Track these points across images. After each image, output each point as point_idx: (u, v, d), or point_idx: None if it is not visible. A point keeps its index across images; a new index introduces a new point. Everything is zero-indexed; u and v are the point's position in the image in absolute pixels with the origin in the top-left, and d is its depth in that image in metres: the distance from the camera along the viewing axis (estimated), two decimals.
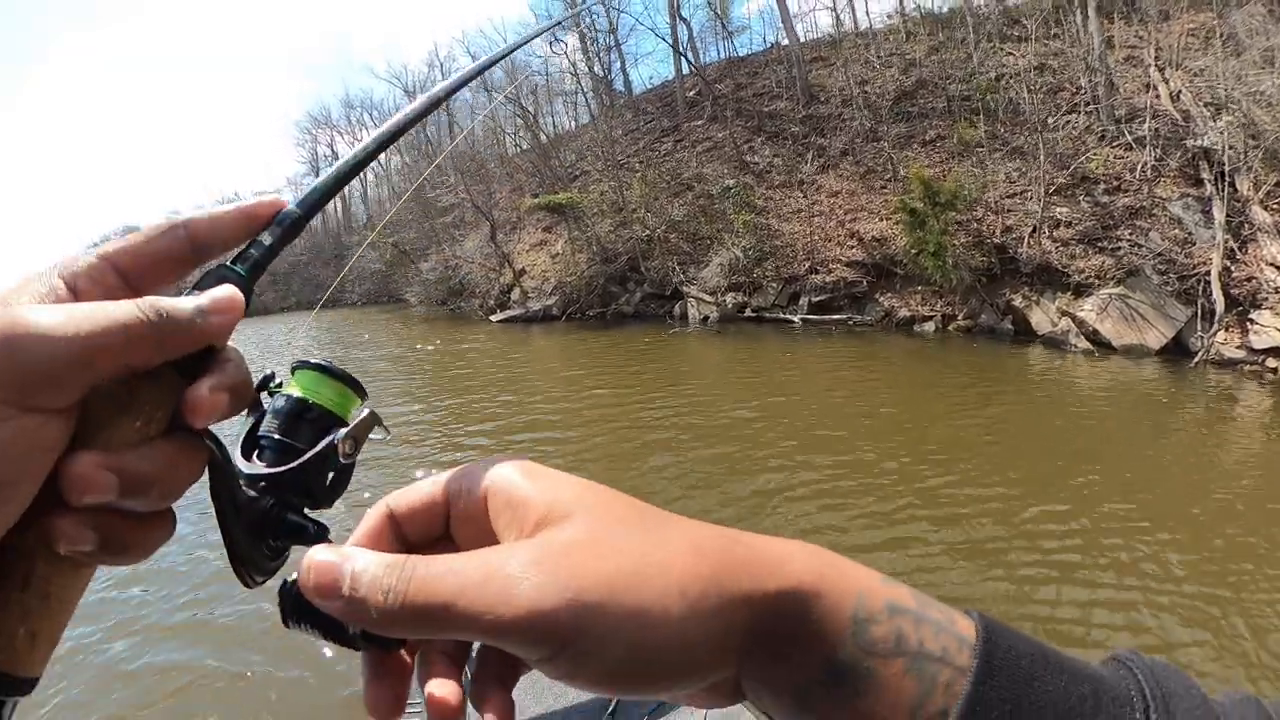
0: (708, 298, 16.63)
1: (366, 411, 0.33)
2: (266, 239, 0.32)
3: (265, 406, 0.33)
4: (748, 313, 15.97)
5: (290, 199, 0.34)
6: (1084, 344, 10.87)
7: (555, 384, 10.91)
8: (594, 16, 24.37)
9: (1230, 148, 11.03)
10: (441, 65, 36.93)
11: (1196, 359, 9.74)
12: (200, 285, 0.30)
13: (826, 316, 14.65)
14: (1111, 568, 4.04)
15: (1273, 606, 3.61)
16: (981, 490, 5.30)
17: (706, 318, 16.31)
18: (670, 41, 21.97)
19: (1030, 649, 0.27)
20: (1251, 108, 11.04)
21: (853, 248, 15.11)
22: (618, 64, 25.69)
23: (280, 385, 0.33)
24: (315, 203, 0.34)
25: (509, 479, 0.30)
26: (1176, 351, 10.37)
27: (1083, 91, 13.95)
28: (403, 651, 0.31)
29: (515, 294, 21.28)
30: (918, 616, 0.27)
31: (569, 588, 0.25)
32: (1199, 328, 10.32)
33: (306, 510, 0.32)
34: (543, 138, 24.16)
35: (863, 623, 0.27)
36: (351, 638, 0.29)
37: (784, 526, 4.90)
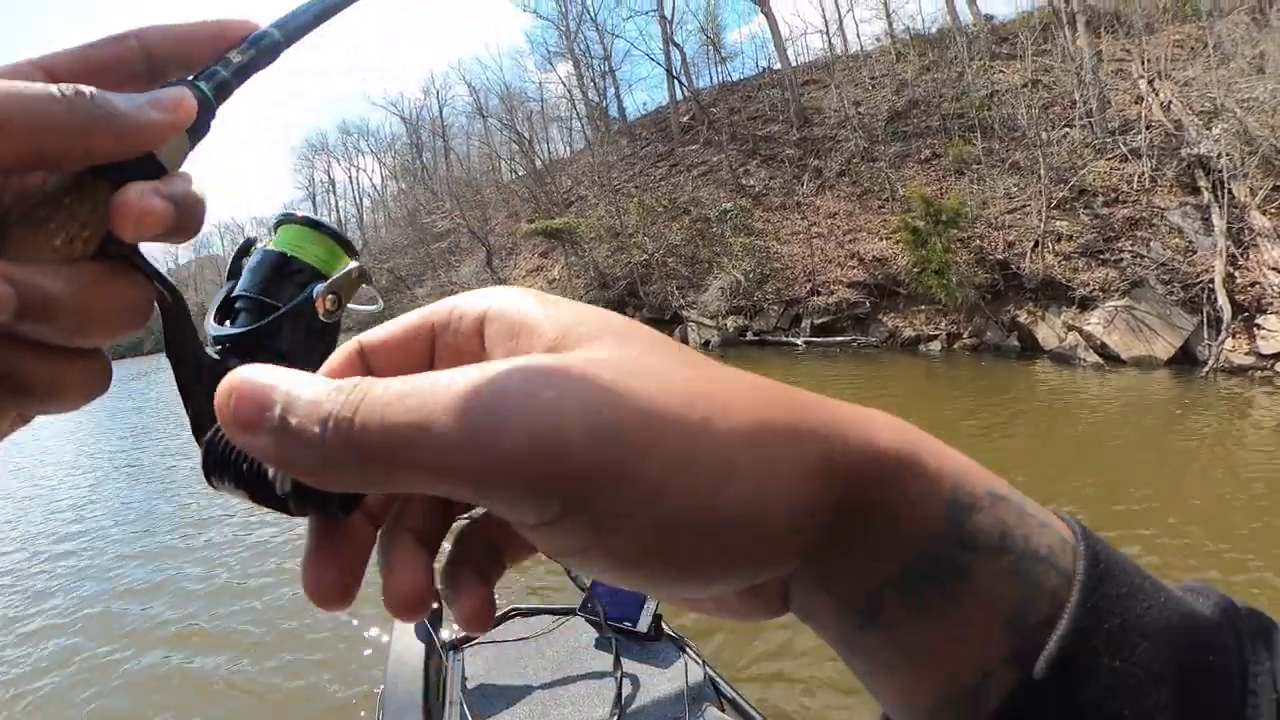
0: (708, 321, 16.72)
1: (354, 264, 0.29)
2: (235, 57, 0.26)
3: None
4: (749, 336, 16.04)
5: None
6: (1093, 358, 10.92)
7: None
8: (588, 43, 24.93)
9: (1226, 155, 11.23)
10: (439, 94, 37.78)
11: (1207, 368, 9.78)
12: None
13: (830, 338, 14.72)
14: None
15: None
16: None
17: (707, 341, 16.38)
18: (665, 66, 22.41)
19: (1125, 561, 0.22)
20: (1245, 115, 11.26)
21: (853, 268, 15.25)
22: (612, 90, 26.22)
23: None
24: (298, 29, 0.28)
25: (514, 301, 0.23)
26: (1185, 361, 10.42)
27: (1076, 105, 14.23)
28: (364, 520, 0.24)
29: None
30: (1019, 508, 0.22)
31: (596, 410, 0.18)
32: (1205, 336, 10.39)
33: None
34: (538, 163, 24.52)
35: (962, 507, 0.21)
36: (283, 498, 0.21)
37: None
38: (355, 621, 4.00)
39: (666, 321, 18.13)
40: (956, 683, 0.20)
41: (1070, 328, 11.54)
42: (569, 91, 25.55)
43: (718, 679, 2.13)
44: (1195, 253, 11.15)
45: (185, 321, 0.25)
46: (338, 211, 53.02)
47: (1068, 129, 13.81)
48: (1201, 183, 11.73)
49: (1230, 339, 9.97)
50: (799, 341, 15.03)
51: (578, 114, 25.48)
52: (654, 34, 24.65)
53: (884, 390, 10.60)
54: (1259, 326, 10.04)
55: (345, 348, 0.25)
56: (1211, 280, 10.53)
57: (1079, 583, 0.20)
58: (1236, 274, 10.55)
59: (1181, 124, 12.46)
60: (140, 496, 8.72)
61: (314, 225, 0.28)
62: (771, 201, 18.57)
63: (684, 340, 17.04)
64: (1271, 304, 10.08)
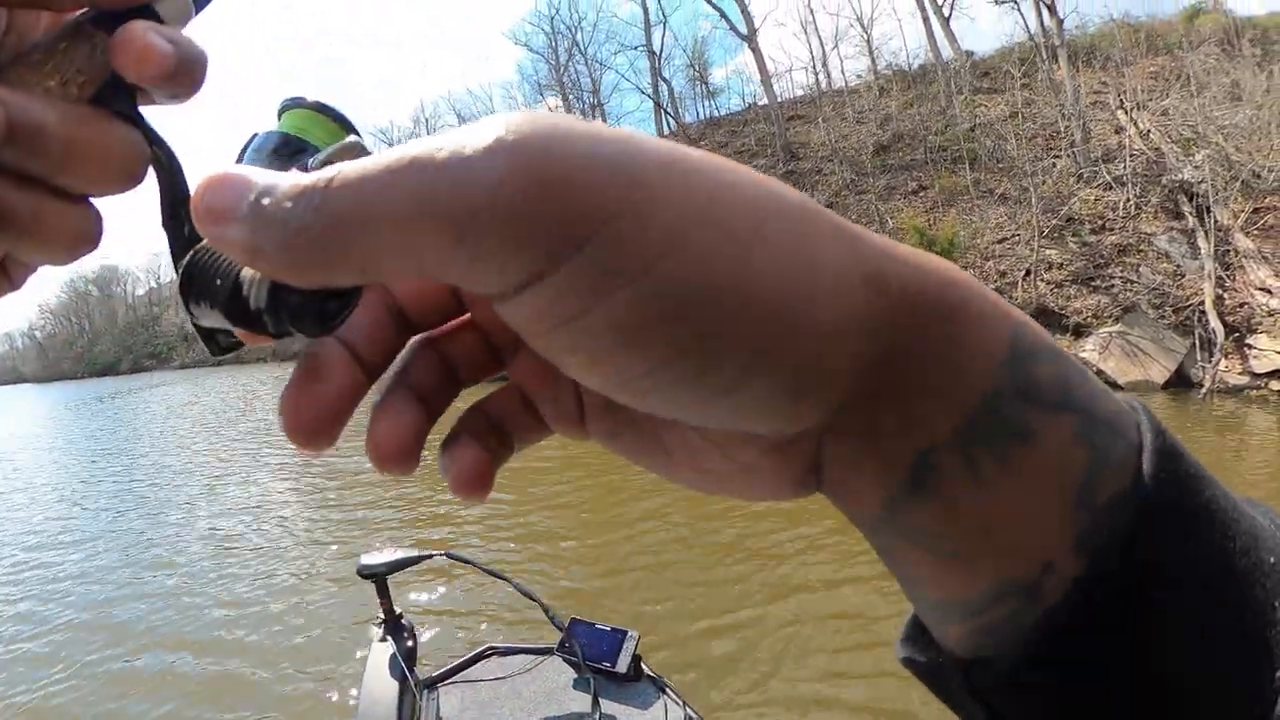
0: None
1: (351, 139, 0.26)
2: None
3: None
4: None
5: None
6: None
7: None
8: (577, 76, 25.65)
9: (1208, 181, 11.73)
10: (428, 122, 38.87)
11: (1205, 390, 10.07)
12: None
13: None
14: None
15: None
16: None
17: None
18: (654, 97, 23.12)
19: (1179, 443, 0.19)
20: (1224, 142, 11.79)
21: None
22: (600, 123, 26.83)
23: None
24: None
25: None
26: (1180, 384, 10.72)
27: (1059, 136, 14.82)
28: (355, 364, 0.21)
29: None
30: (1080, 369, 0.20)
31: (604, 144, 0.16)
32: (1198, 358, 10.72)
33: None
34: None
35: (1024, 357, 0.18)
36: (256, 313, 0.19)
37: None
38: (328, 664, 3.99)
39: None
40: (1018, 569, 0.18)
41: None
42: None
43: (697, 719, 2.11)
44: (1184, 276, 11.56)
45: (180, 186, 0.24)
46: None
47: (1056, 159, 14.35)
48: (1185, 208, 12.21)
49: (1224, 359, 10.30)
50: None
51: None
52: (643, 69, 25.43)
53: None
54: (1250, 346, 10.38)
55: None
56: (1202, 303, 10.91)
57: (1150, 455, 0.18)
58: (1225, 295, 10.94)
59: (1162, 152, 13.01)
60: (104, 525, 8.38)
61: (322, 109, 0.27)
62: None
63: None
64: (1261, 323, 10.44)
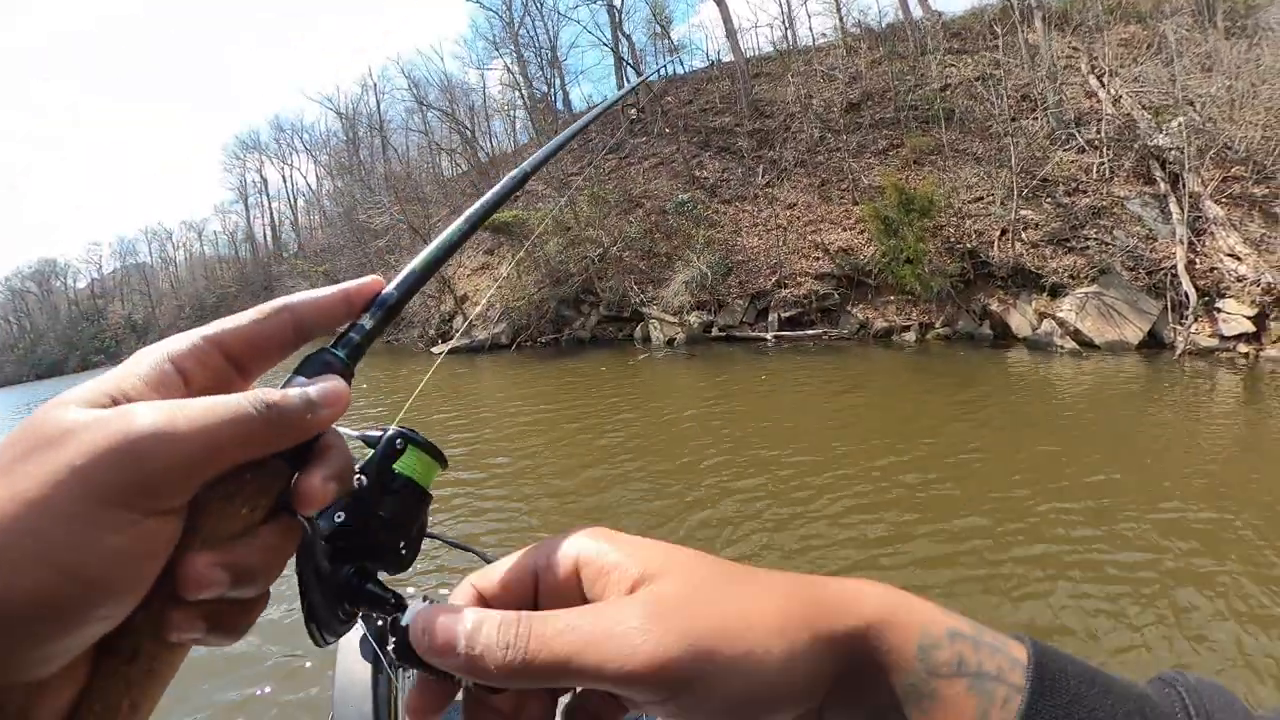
0: (670, 318, 16.47)
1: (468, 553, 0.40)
2: (366, 322, 0.35)
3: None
4: (715, 332, 15.89)
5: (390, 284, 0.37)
6: (1070, 344, 11.32)
7: (510, 429, 10.39)
8: (534, 33, 24.40)
9: (1178, 149, 11.95)
10: (376, 87, 36.71)
11: (1179, 352, 10.29)
12: (302, 370, 0.32)
13: (799, 332, 14.75)
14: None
15: None
16: (1036, 505, 5.26)
17: (672, 339, 16.10)
18: (613, 47, 22.17)
19: (1078, 670, 0.30)
20: (1200, 110, 12.00)
21: (819, 259, 15.38)
22: (558, 81, 25.75)
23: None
24: (411, 285, 0.37)
25: (597, 548, 0.33)
26: (1153, 344, 10.96)
27: (1030, 99, 14.89)
28: (500, 715, 0.33)
29: (458, 322, 20.56)
30: (975, 641, 0.31)
31: (687, 636, 0.28)
32: (1170, 319, 10.98)
33: (381, 576, 0.35)
34: (482, 157, 23.75)
35: (928, 649, 0.30)
36: (457, 680, 0.32)
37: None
38: (299, 652, 3.92)
39: (626, 319, 17.79)
40: None
41: (1043, 315, 11.95)
42: (515, 78, 24.93)
43: None
44: (1156, 240, 11.79)
45: (316, 544, 0.33)
46: (271, 213, 50.48)
47: (1033, 120, 14.40)
48: (1157, 173, 12.45)
49: (1194, 322, 10.55)
50: (768, 336, 14.99)
51: (524, 102, 24.86)
52: (603, 23, 24.36)
53: (860, 386, 10.62)
54: (1219, 310, 10.68)
55: (465, 592, 0.35)
56: (1174, 266, 11.15)
57: (1025, 693, 0.29)
58: (1196, 260, 11.20)
59: (1133, 118, 13.21)
60: None
61: (414, 443, 0.36)
62: (727, 193, 18.59)
63: (646, 339, 16.84)
64: (1229, 288, 10.74)
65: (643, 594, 0.30)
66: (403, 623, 0.32)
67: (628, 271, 18.04)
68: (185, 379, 0.29)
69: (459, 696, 0.35)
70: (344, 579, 0.34)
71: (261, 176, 50.44)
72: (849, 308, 14.54)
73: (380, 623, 0.34)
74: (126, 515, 0.25)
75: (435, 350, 19.80)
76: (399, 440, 0.35)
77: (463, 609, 0.31)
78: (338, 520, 0.34)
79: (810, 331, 14.64)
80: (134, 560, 0.25)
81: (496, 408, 11.41)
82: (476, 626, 0.30)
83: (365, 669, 2.18)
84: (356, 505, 0.34)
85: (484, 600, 0.34)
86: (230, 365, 0.31)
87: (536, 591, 0.34)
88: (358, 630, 2.27)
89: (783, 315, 15.19)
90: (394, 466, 0.35)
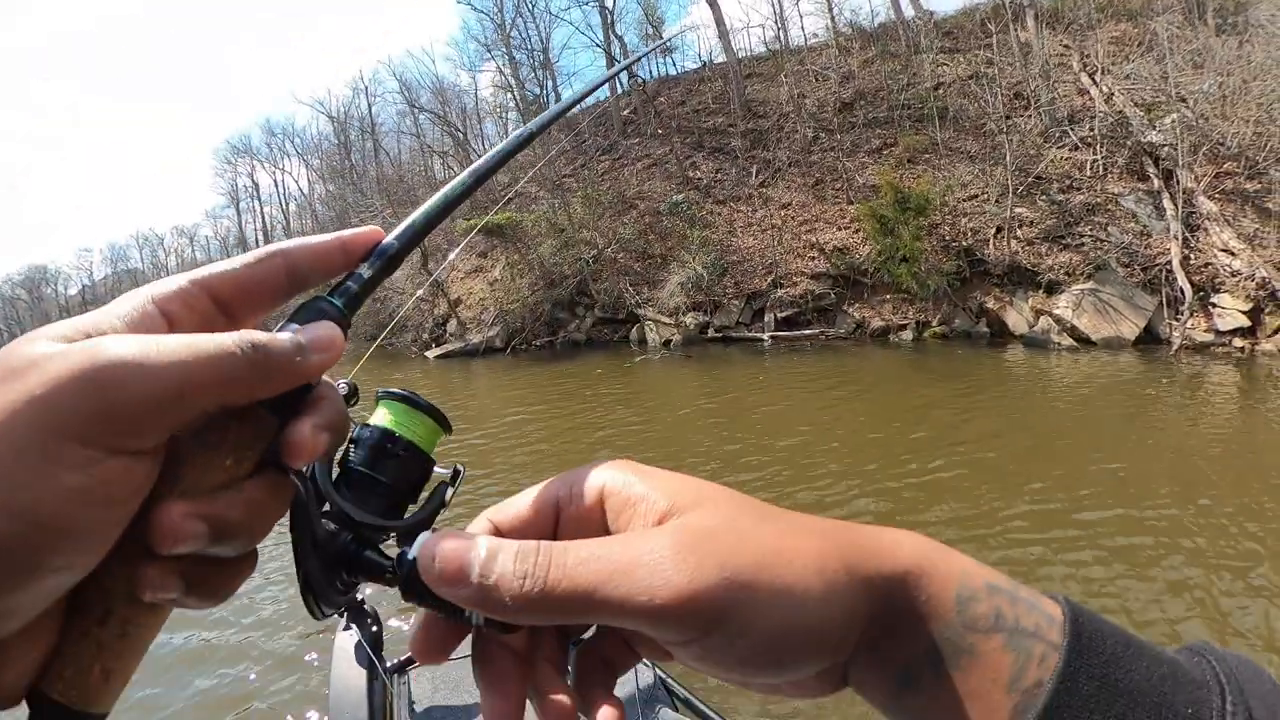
0: (666, 319, 16.45)
1: (461, 470, 0.35)
2: (365, 271, 0.33)
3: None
4: (711, 333, 15.87)
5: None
6: (1068, 341, 11.37)
7: (505, 432, 10.34)
8: (527, 34, 24.38)
9: (1171, 145, 12.03)
10: (368, 90, 36.60)
11: (1175, 347, 10.34)
12: (296, 317, 0.30)
13: (796, 332, 14.76)
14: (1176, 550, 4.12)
15: None
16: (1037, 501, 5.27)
17: (668, 341, 16.07)
18: (607, 51, 22.17)
19: (1112, 630, 0.29)
20: (1192, 107, 12.09)
21: (814, 259, 15.40)
22: (550, 82, 25.72)
23: (358, 401, 0.34)
24: (412, 237, 0.34)
25: (623, 479, 0.31)
26: (1149, 340, 11.03)
27: (1023, 97, 14.97)
28: (513, 655, 0.31)
29: (452, 325, 20.46)
30: (1012, 595, 0.29)
31: (725, 567, 0.26)
32: (1165, 315, 11.04)
33: (382, 547, 0.32)
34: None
35: (966, 601, 0.29)
36: (468, 618, 0.30)
37: None
38: (291, 649, 3.97)
39: (621, 321, 17.77)
40: None
41: (1039, 312, 12.00)
42: (507, 80, 24.87)
43: (669, 680, 2.19)
44: (1150, 236, 11.86)
45: (312, 506, 0.31)
46: (263, 218, 50.34)
47: (1027, 118, 14.47)
48: (1150, 170, 12.53)
49: (1190, 317, 10.62)
50: (764, 337, 15.00)
51: (516, 104, 24.81)
52: (594, 24, 24.36)
53: (857, 383, 10.62)
54: (1214, 304, 10.75)
55: (480, 526, 0.33)
56: (1169, 262, 11.22)
57: (1063, 651, 0.27)
58: (1190, 255, 11.27)
59: (1126, 116, 13.30)
60: None
61: (414, 404, 0.34)
62: (721, 193, 18.61)
63: (642, 341, 16.82)
64: (1224, 283, 10.82)
65: (673, 525, 0.28)
66: (409, 555, 0.29)
67: (622, 273, 18.01)
68: (169, 322, 0.27)
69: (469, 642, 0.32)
70: (341, 545, 0.31)
71: (253, 181, 50.03)
72: (845, 307, 14.56)
73: (389, 571, 0.31)
74: (87, 451, 0.22)
75: (430, 354, 19.71)
76: (400, 398, 0.34)
77: (476, 536, 0.29)
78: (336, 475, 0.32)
79: (807, 331, 14.65)
80: (96, 504, 0.23)
81: (492, 412, 11.36)
82: (491, 554, 0.27)
83: (360, 675, 2.18)
84: (364, 481, 0.32)
85: (500, 535, 0.32)
86: (219, 311, 0.29)
87: (556, 527, 0.32)
88: (352, 636, 2.26)
89: (779, 315, 15.19)
90: (395, 429, 0.33)
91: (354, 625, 2.32)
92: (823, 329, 14.55)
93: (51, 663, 0.25)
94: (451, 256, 22.60)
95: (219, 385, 0.25)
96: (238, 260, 0.30)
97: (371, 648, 2.22)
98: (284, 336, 0.28)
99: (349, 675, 2.21)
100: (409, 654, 2.23)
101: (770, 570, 0.27)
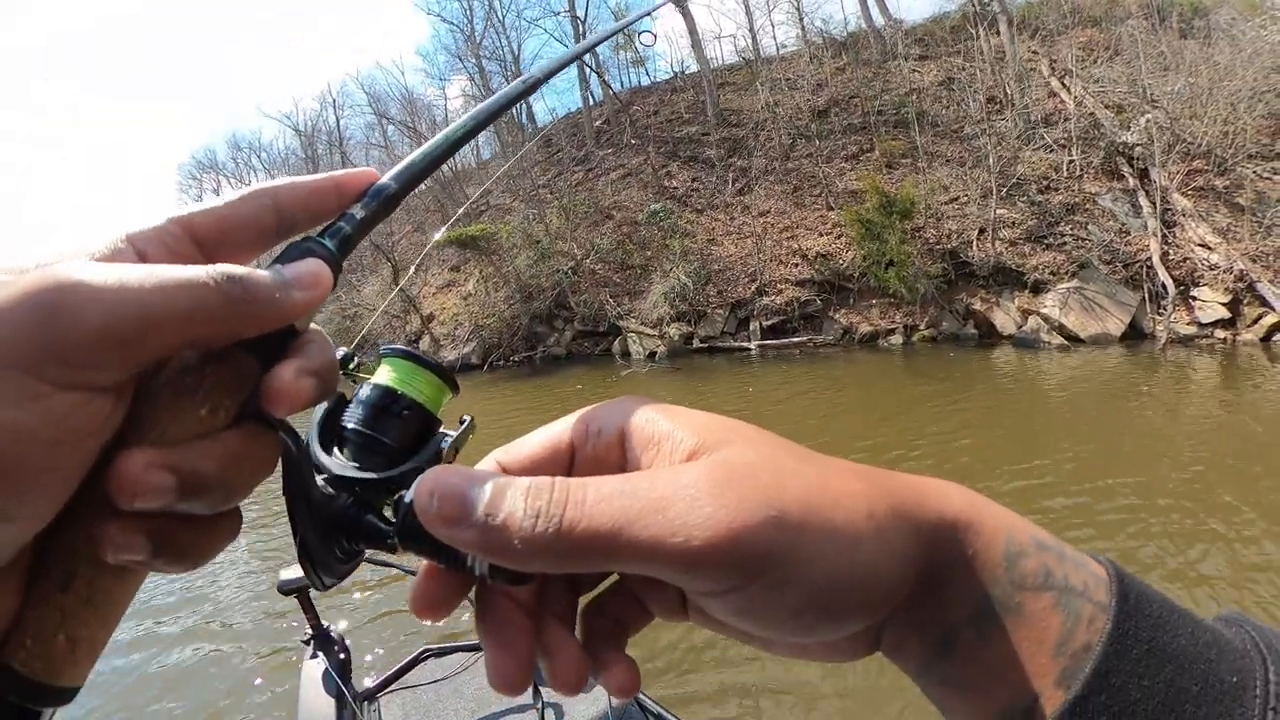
0: (649, 331, 16.39)
1: (468, 419, 0.33)
2: (359, 212, 0.31)
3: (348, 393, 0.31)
4: (695, 344, 15.86)
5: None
6: (1057, 339, 11.64)
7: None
8: (497, 44, 24.37)
9: (1144, 145, 12.51)
10: (335, 103, 36.50)
11: (1161, 342, 10.67)
12: (283, 259, 0.28)
13: (783, 340, 14.82)
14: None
15: None
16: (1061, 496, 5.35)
17: (653, 353, 15.98)
18: (580, 62, 22.28)
19: (1156, 595, 0.27)
20: (1165, 108, 12.59)
21: (797, 265, 15.55)
22: None
23: (358, 367, 0.35)
24: (411, 178, 0.33)
25: (647, 415, 0.29)
26: (1134, 335, 11.36)
27: (997, 101, 15.45)
28: (521, 610, 0.29)
29: (424, 342, 20.13)
30: (1059, 552, 0.28)
31: (772, 504, 0.24)
32: (1149, 310, 11.40)
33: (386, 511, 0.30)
34: (446, 171, 23.54)
35: (1015, 556, 0.27)
36: (470, 567, 0.27)
37: None
38: (258, 680, 3.93)
39: (603, 334, 17.68)
40: (1017, 699, 0.26)
41: (1026, 312, 12.29)
42: (478, 88, 24.78)
43: (642, 698, 2.20)
44: (1129, 233, 12.27)
45: (304, 464, 0.28)
46: None
47: (1003, 120, 14.92)
48: (1125, 169, 13.00)
49: (1173, 311, 10.98)
50: (751, 346, 15.02)
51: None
52: (567, 34, 24.48)
53: (848, 390, 10.70)
54: (1194, 298, 11.14)
55: (487, 467, 0.30)
56: (1149, 259, 11.61)
57: (1111, 613, 0.26)
58: (1169, 251, 11.68)
59: (1096, 117, 13.81)
60: None
61: (418, 360, 0.31)
62: (699, 202, 18.74)
63: (626, 353, 16.74)
64: (1203, 277, 11.23)
65: (707, 460, 0.26)
66: (407, 499, 0.27)
67: (602, 284, 17.95)
68: (145, 261, 0.25)
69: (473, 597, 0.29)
70: (340, 509, 0.28)
71: (218, 197, 50.05)
72: (831, 313, 14.71)
73: (391, 536, 0.28)
74: (33, 384, 0.20)
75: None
76: (403, 354, 0.31)
77: (481, 471, 0.26)
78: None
79: (794, 339, 14.73)
80: (43, 444, 0.21)
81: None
82: (499, 491, 0.24)
83: (329, 703, 2.15)
84: (364, 441, 0.30)
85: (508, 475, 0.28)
86: (200, 252, 0.27)
87: (571, 469, 0.30)
88: (320, 664, 2.24)
89: (764, 324, 15.26)
90: (398, 388, 0.30)
91: (320, 653, 2.27)
92: (810, 336, 14.65)
93: (10, 632, 0.23)
94: (416, 263, 22.30)
95: (188, 320, 0.23)
96: (221, 198, 0.28)
97: (339, 676, 2.20)
98: (263, 271, 0.26)
99: (317, 704, 2.17)
100: (379, 679, 2.30)
101: (819, 511, 0.24)
